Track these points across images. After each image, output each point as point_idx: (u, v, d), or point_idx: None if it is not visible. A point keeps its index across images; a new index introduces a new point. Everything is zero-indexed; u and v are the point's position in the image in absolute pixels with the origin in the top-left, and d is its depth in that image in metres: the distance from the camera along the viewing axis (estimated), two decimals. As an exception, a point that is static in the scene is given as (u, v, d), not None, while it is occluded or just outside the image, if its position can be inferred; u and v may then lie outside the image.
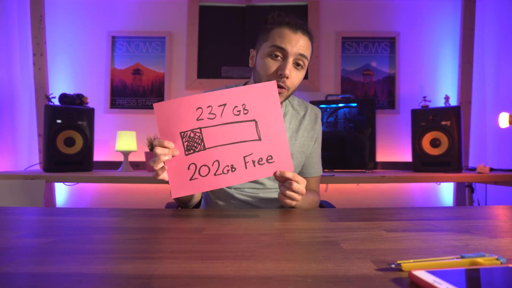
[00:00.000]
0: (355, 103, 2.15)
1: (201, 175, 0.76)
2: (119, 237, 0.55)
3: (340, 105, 2.17)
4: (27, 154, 2.44)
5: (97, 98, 2.48)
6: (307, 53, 0.93)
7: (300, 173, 1.08)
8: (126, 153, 2.17)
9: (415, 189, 2.51)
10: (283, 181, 0.81)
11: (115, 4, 2.53)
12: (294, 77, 0.92)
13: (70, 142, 1.97)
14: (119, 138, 2.18)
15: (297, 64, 0.92)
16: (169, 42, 2.53)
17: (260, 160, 0.77)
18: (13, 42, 2.36)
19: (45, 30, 2.37)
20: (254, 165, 0.77)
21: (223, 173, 0.76)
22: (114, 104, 2.52)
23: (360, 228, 0.61)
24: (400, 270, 0.38)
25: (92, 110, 2.06)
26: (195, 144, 0.76)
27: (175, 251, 0.46)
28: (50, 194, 2.36)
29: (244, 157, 0.77)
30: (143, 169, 2.44)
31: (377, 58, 2.57)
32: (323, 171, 2.06)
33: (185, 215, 0.77)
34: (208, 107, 0.76)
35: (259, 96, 0.78)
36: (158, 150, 0.74)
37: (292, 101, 1.09)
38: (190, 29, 2.54)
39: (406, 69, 2.55)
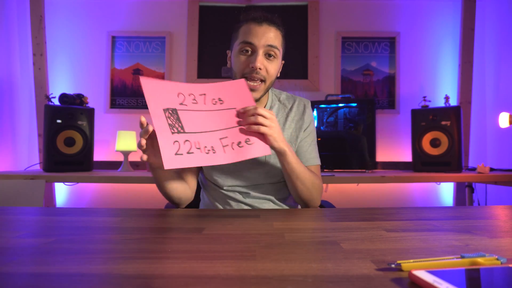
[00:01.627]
0: (355, 103, 2.15)
1: (185, 152, 0.78)
2: (119, 237, 0.55)
3: (340, 105, 2.17)
4: (27, 154, 2.44)
5: (97, 98, 2.48)
6: (276, 43, 0.94)
7: None
8: (126, 153, 2.17)
9: (415, 189, 2.51)
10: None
11: (115, 4, 2.53)
12: (269, 68, 0.94)
13: (70, 142, 1.97)
14: (119, 138, 2.18)
15: (268, 55, 0.94)
16: (169, 42, 2.53)
17: (239, 143, 0.82)
18: (13, 42, 2.36)
19: (45, 30, 2.37)
20: (233, 148, 0.81)
21: (205, 153, 0.79)
22: (114, 104, 2.52)
23: (360, 228, 0.61)
24: (400, 270, 0.38)
25: (92, 110, 2.06)
26: (176, 125, 0.78)
27: (175, 251, 0.46)
28: (50, 194, 2.36)
29: (220, 139, 0.81)
30: (143, 169, 2.43)
31: (377, 58, 2.57)
32: (323, 171, 2.06)
33: (185, 215, 0.77)
34: (189, 94, 0.82)
35: (232, 91, 0.86)
36: (141, 130, 0.77)
37: (279, 95, 1.10)
38: (190, 29, 2.54)
39: (406, 69, 2.55)
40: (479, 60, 2.52)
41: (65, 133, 1.96)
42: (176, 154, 0.76)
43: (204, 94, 0.83)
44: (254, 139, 0.83)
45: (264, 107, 1.05)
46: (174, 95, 0.80)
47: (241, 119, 0.84)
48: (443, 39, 2.54)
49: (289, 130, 1.05)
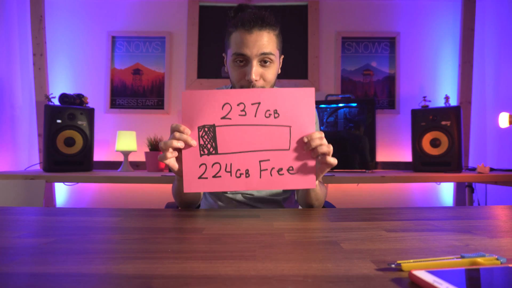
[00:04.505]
0: (355, 103, 2.15)
1: (211, 176, 0.72)
2: (119, 237, 0.55)
3: (340, 105, 2.17)
4: (27, 154, 2.44)
5: (97, 98, 2.48)
6: (270, 48, 0.90)
7: None
8: (126, 153, 2.17)
9: (415, 189, 2.51)
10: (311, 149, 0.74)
11: (115, 4, 2.53)
12: (265, 75, 0.91)
13: (70, 142, 1.97)
14: (119, 138, 2.18)
15: (264, 62, 0.91)
16: (169, 42, 2.53)
17: (280, 170, 0.72)
18: (13, 42, 2.36)
19: (45, 30, 2.37)
20: (271, 175, 0.72)
21: (236, 176, 0.72)
22: (114, 104, 2.52)
23: (360, 228, 0.61)
24: (400, 270, 0.38)
25: (92, 110, 2.06)
26: (208, 145, 0.72)
27: (175, 251, 0.46)
28: (50, 194, 2.36)
29: (260, 162, 0.72)
30: (143, 169, 2.44)
31: (377, 58, 2.57)
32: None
33: (185, 215, 0.77)
34: (239, 104, 0.71)
35: (294, 103, 0.72)
36: (176, 134, 0.71)
37: None
38: (190, 29, 2.54)
39: (406, 69, 2.55)
40: (479, 60, 2.52)
41: (65, 133, 1.96)
42: (199, 178, 0.72)
43: (258, 103, 0.71)
44: (298, 169, 0.72)
45: None
46: (218, 107, 0.71)
47: (297, 143, 0.73)
48: (443, 39, 2.54)
49: None
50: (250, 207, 1.01)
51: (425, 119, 2.07)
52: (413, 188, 2.51)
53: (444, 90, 2.47)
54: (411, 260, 0.39)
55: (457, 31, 2.50)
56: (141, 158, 2.42)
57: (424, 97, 2.23)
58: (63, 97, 2.01)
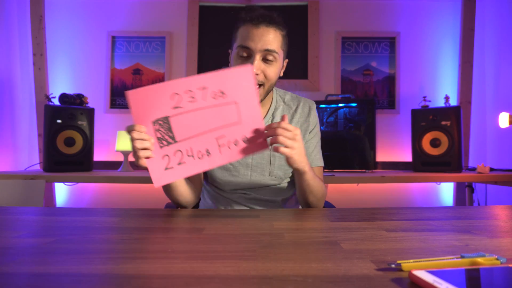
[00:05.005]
0: (355, 103, 2.15)
1: (176, 164, 0.75)
2: (119, 237, 0.55)
3: (340, 105, 2.17)
4: (27, 154, 2.44)
5: (97, 98, 2.48)
6: (275, 46, 0.90)
7: None
8: (126, 153, 2.17)
9: (415, 189, 2.51)
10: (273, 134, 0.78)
11: (115, 4, 2.53)
12: (267, 72, 0.91)
13: (70, 142, 1.97)
14: (119, 138, 2.18)
15: (267, 59, 0.90)
16: (169, 42, 2.53)
17: (236, 142, 0.78)
18: (13, 42, 2.36)
19: (45, 30, 2.37)
20: (230, 148, 0.77)
21: (198, 158, 0.76)
22: (114, 104, 2.52)
23: (360, 228, 0.61)
24: (400, 270, 0.38)
25: (92, 110, 2.06)
26: (165, 137, 0.75)
27: (175, 251, 0.46)
28: (50, 194, 2.36)
29: (217, 139, 0.77)
30: (143, 169, 2.43)
31: (377, 58, 2.56)
32: (324, 171, 2.06)
33: (185, 215, 0.77)
34: (186, 91, 0.75)
35: (236, 81, 0.77)
36: (137, 143, 0.72)
37: (283, 96, 1.09)
38: (190, 29, 2.54)
39: (406, 69, 2.55)
40: (479, 60, 2.52)
41: (65, 133, 1.96)
42: (166, 169, 0.75)
43: (205, 88, 0.75)
44: (251, 137, 0.78)
45: (269, 108, 1.04)
46: (167, 98, 0.73)
47: (240, 119, 0.78)
48: (443, 39, 2.54)
49: None
50: (248, 207, 1.01)
51: (425, 119, 2.07)
52: (413, 188, 2.51)
53: (444, 90, 2.47)
54: (411, 260, 0.39)
55: (457, 31, 2.50)
56: (141, 158, 2.41)
57: (424, 97, 2.23)
58: (63, 97, 2.01)
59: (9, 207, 0.85)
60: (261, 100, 0.97)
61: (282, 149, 0.78)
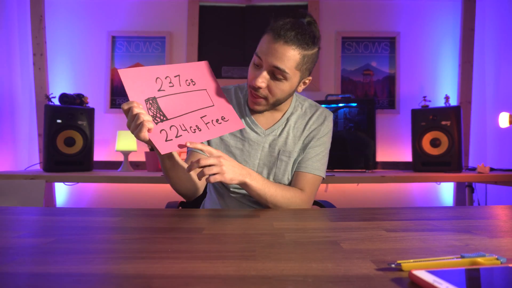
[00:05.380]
0: (355, 103, 2.15)
1: (174, 137, 0.80)
2: (119, 237, 0.55)
3: (340, 105, 2.17)
4: (27, 154, 2.44)
5: (97, 98, 2.48)
6: (285, 65, 0.85)
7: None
8: (126, 153, 2.17)
9: (415, 189, 2.51)
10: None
11: (115, 4, 2.53)
12: (272, 88, 0.89)
13: (70, 142, 1.97)
14: (119, 138, 2.18)
15: (275, 75, 0.87)
16: (169, 42, 2.53)
17: (217, 120, 0.86)
18: (13, 42, 2.36)
19: (45, 30, 2.37)
20: (214, 125, 0.85)
21: (192, 132, 0.81)
22: (114, 104, 2.52)
23: (360, 228, 0.61)
24: (400, 270, 0.38)
25: (92, 110, 2.06)
26: (158, 114, 0.80)
27: (175, 251, 0.46)
28: (50, 194, 2.36)
29: (201, 118, 0.85)
30: (143, 169, 2.43)
31: (377, 58, 2.56)
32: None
33: (185, 215, 0.77)
34: (166, 77, 0.83)
35: (199, 72, 0.89)
36: (141, 115, 0.73)
37: (303, 102, 1.06)
38: (190, 29, 2.54)
39: (406, 69, 2.55)
40: (479, 60, 2.52)
41: (65, 133, 1.96)
42: (166, 140, 0.78)
43: (178, 76, 0.85)
44: (228, 116, 0.87)
45: (284, 113, 1.02)
46: (153, 81, 0.81)
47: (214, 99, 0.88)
48: (443, 39, 2.54)
49: (302, 139, 1.01)
50: (249, 207, 1.01)
51: (425, 119, 2.07)
52: (413, 188, 2.51)
53: (444, 90, 2.47)
54: (411, 260, 0.39)
55: (457, 31, 2.50)
56: (141, 158, 2.42)
57: (424, 97, 2.23)
58: (63, 97, 2.01)
59: (9, 207, 0.85)
60: (264, 111, 0.97)
61: (212, 178, 0.76)
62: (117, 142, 2.18)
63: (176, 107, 0.83)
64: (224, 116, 0.87)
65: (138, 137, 0.76)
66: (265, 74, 0.87)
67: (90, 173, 1.95)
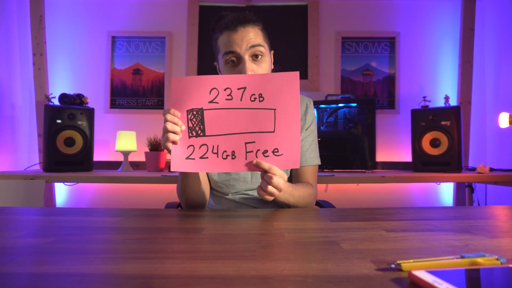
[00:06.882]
0: (355, 103, 2.15)
1: (198, 157, 0.74)
2: (119, 237, 0.55)
3: (340, 105, 2.17)
4: (27, 154, 2.44)
5: (97, 98, 2.48)
6: (259, 40, 0.92)
7: None
8: (126, 153, 2.17)
9: (415, 189, 2.51)
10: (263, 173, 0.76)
11: (115, 4, 2.53)
12: (260, 70, 0.93)
13: (70, 142, 1.97)
14: (119, 138, 2.18)
15: (255, 56, 0.92)
16: (169, 42, 2.53)
17: (265, 152, 0.74)
18: (13, 42, 2.36)
19: (45, 30, 2.37)
20: (257, 156, 0.74)
21: (222, 158, 0.74)
22: (114, 104, 2.52)
23: (360, 228, 0.61)
24: (400, 270, 0.38)
25: (92, 110, 2.06)
26: (196, 128, 0.75)
27: (175, 251, 0.46)
28: (50, 194, 2.36)
29: (246, 144, 0.74)
30: (143, 169, 2.43)
31: (377, 58, 2.57)
32: (323, 171, 2.06)
33: (185, 215, 0.77)
34: (226, 89, 0.74)
35: (278, 86, 0.73)
36: (168, 125, 0.73)
37: None
38: (190, 29, 2.54)
39: (406, 69, 2.55)
40: (479, 60, 2.52)
41: (65, 133, 1.96)
42: (187, 158, 0.74)
43: (244, 88, 0.74)
44: (285, 150, 0.74)
45: None
46: (206, 91, 0.74)
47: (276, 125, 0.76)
48: (443, 39, 2.54)
49: None
50: (249, 207, 1.01)
51: (425, 119, 2.07)
52: (413, 188, 2.51)
53: (444, 90, 2.47)
54: (411, 260, 0.39)
55: (457, 31, 2.50)
56: (141, 158, 2.42)
57: (424, 97, 2.23)
58: (63, 97, 2.01)
59: (9, 207, 0.85)
60: None
61: (267, 196, 0.77)
62: (117, 142, 2.18)
63: (222, 124, 0.74)
64: (279, 148, 0.74)
65: (162, 145, 0.76)
66: (248, 60, 0.91)
67: (90, 173, 1.95)
